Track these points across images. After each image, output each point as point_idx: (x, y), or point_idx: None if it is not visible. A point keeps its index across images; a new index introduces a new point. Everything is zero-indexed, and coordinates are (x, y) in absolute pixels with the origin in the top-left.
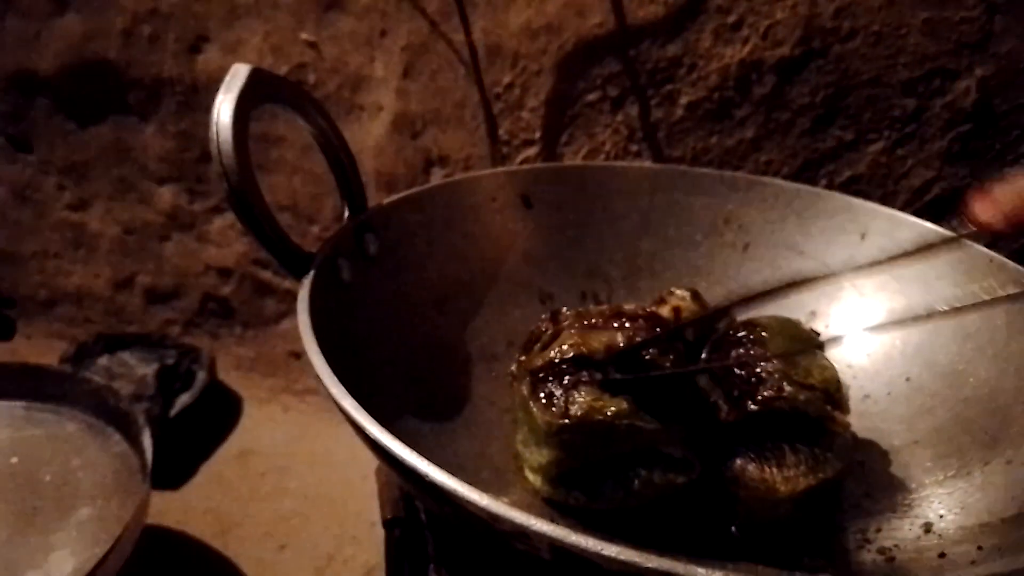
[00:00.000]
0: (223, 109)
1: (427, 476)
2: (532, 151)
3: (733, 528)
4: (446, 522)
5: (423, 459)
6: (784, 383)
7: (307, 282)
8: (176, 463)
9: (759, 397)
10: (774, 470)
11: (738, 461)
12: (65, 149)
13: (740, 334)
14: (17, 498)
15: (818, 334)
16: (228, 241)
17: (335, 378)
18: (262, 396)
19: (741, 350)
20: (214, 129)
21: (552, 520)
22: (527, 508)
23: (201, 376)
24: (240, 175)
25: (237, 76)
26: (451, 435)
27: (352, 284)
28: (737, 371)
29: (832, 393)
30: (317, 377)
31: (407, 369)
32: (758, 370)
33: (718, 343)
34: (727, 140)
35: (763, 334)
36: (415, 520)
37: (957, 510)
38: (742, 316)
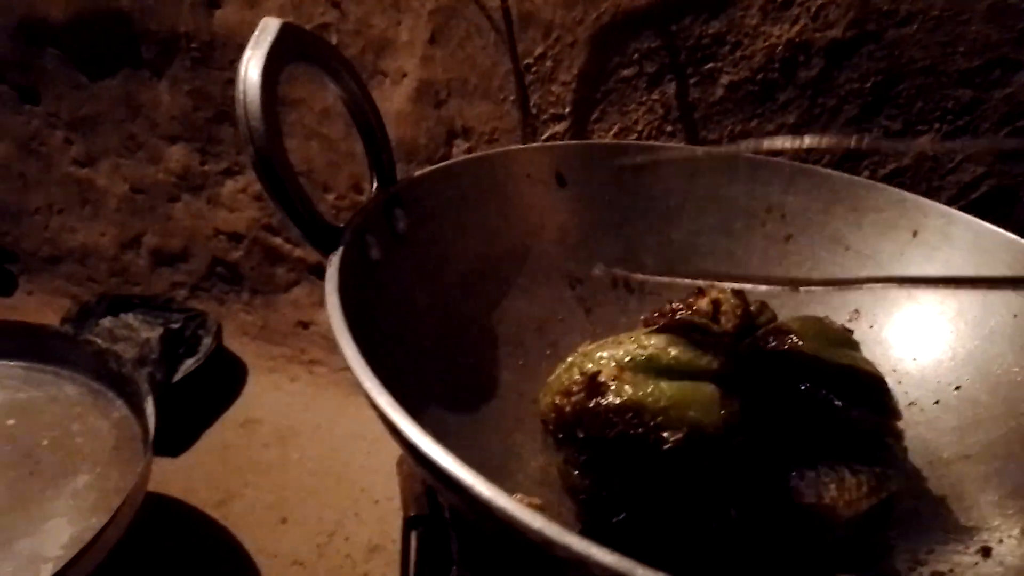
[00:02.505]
0: (251, 66)
1: (489, 502)
2: (560, 127)
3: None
4: (474, 524)
5: (481, 478)
6: None
7: (336, 260)
8: (178, 430)
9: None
10: (834, 494)
11: (798, 485)
12: (73, 102)
13: (771, 343)
14: (13, 462)
15: (850, 332)
16: (240, 205)
17: (370, 372)
18: (268, 365)
19: None
20: (241, 87)
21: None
22: (559, 517)
23: (207, 342)
24: (268, 139)
25: (267, 30)
26: (478, 428)
27: (380, 263)
28: None
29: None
30: (352, 372)
31: (433, 356)
32: None
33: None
34: (767, 125)
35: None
36: (439, 518)
37: (1018, 535)
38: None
